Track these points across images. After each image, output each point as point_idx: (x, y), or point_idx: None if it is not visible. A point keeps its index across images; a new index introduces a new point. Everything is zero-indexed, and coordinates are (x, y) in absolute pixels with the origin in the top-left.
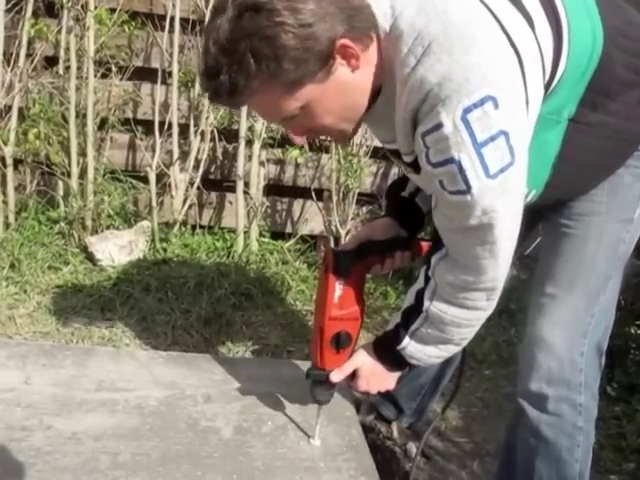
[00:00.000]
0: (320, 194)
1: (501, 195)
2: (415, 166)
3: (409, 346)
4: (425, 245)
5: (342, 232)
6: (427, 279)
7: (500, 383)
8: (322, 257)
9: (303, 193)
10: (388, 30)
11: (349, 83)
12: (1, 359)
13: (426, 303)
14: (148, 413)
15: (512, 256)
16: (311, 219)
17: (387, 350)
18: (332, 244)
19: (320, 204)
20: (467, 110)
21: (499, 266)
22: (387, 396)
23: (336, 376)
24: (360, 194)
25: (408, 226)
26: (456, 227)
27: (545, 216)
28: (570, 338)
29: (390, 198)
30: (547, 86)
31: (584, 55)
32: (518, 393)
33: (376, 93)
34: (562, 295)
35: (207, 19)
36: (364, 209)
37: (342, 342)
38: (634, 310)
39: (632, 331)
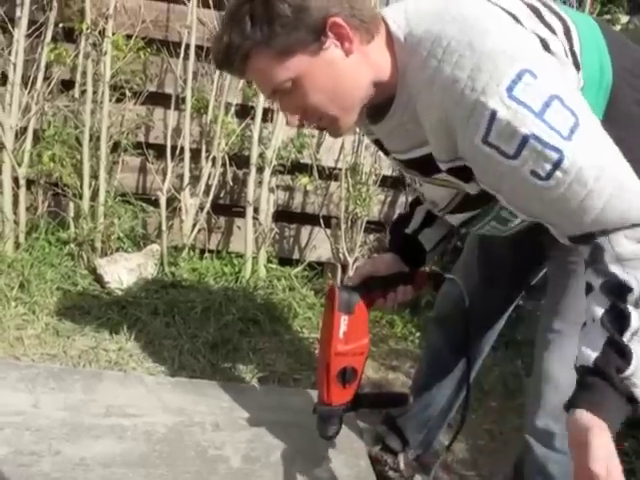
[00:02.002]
0: (328, 221)
1: (588, 150)
2: (454, 172)
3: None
4: (425, 281)
5: (350, 260)
6: (628, 290)
7: (507, 415)
8: (326, 292)
9: (311, 220)
10: (403, 39)
11: (340, 66)
12: (11, 381)
13: (634, 317)
14: (157, 440)
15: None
16: (319, 246)
17: (613, 392)
18: (340, 271)
19: (328, 231)
20: (510, 88)
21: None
22: (394, 427)
23: None
24: (368, 222)
25: (410, 262)
26: (584, 207)
27: (551, 253)
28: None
29: (394, 234)
30: None
31: (592, 86)
32: (525, 429)
33: (387, 105)
34: (569, 331)
35: None
36: (372, 237)
37: (348, 377)
38: None
39: None
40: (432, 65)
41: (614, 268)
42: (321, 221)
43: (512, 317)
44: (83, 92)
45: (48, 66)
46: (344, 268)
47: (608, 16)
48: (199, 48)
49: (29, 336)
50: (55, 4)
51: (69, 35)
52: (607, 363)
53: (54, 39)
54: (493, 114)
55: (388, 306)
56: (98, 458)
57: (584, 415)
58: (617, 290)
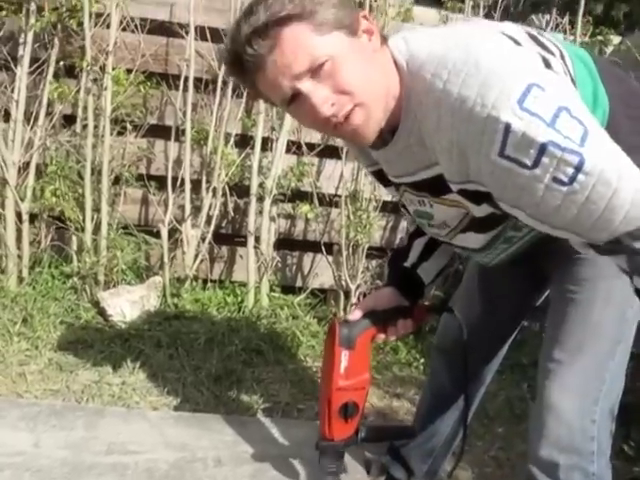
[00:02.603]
0: (330, 248)
1: (604, 152)
2: (465, 194)
3: None
4: (425, 314)
5: (352, 287)
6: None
7: (513, 441)
8: (327, 327)
9: (313, 247)
10: (405, 64)
11: (371, 56)
12: (12, 420)
13: None
14: (158, 477)
15: None
16: (321, 273)
17: None
18: (342, 298)
19: (330, 258)
20: (520, 101)
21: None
22: (398, 457)
23: None
24: (370, 248)
25: (409, 295)
26: (614, 206)
27: (551, 279)
28: (580, 405)
29: (392, 268)
30: None
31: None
32: (529, 459)
33: (392, 131)
34: (569, 360)
35: None
36: (374, 263)
37: (350, 412)
38: None
39: None
40: (438, 87)
41: None
42: (323, 248)
43: (517, 339)
44: (85, 127)
45: (50, 102)
46: (347, 295)
47: (600, 37)
48: (198, 80)
49: (32, 372)
50: (56, 42)
51: (70, 71)
52: None
53: (56, 75)
54: (507, 127)
55: (389, 339)
56: None
57: None
58: None
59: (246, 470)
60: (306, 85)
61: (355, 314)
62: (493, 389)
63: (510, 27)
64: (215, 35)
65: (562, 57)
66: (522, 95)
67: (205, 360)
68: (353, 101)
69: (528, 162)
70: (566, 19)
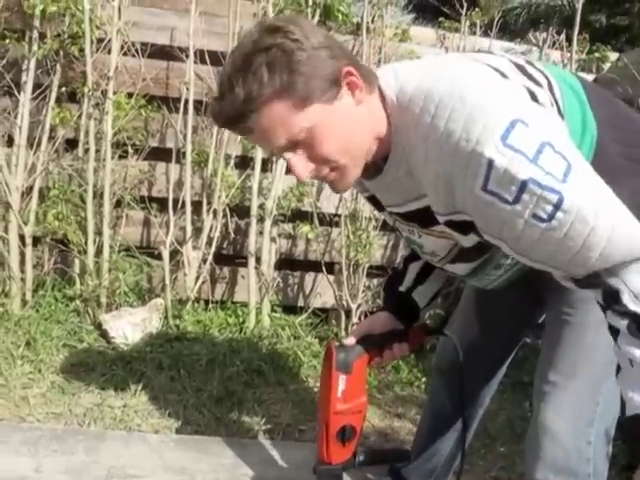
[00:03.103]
0: (331, 267)
1: (586, 189)
2: (451, 225)
3: None
4: (420, 337)
5: (353, 306)
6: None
7: (515, 461)
8: (324, 352)
9: (314, 267)
10: (395, 99)
11: (352, 114)
12: (14, 445)
13: None
14: None
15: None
16: (323, 292)
17: None
18: (343, 317)
19: (331, 277)
20: (504, 137)
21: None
22: (399, 478)
23: None
24: (370, 267)
25: (405, 319)
26: (590, 247)
27: (546, 303)
28: (575, 427)
29: (387, 292)
30: None
31: (574, 139)
32: None
33: (382, 162)
34: (564, 383)
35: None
36: (375, 282)
37: (347, 435)
38: None
39: None
40: (426, 121)
41: (634, 306)
42: (323, 268)
43: (518, 356)
44: (87, 151)
45: (53, 127)
46: (348, 314)
47: (597, 54)
48: (198, 103)
49: (35, 395)
50: (58, 68)
51: (72, 96)
52: None
53: (58, 100)
54: (490, 163)
55: (385, 363)
56: None
57: None
58: None
59: None
60: (287, 155)
61: (351, 339)
62: (494, 408)
63: (495, 59)
64: (214, 58)
65: (550, 87)
66: (506, 131)
67: (206, 382)
68: (331, 165)
69: (509, 198)
70: (562, 36)
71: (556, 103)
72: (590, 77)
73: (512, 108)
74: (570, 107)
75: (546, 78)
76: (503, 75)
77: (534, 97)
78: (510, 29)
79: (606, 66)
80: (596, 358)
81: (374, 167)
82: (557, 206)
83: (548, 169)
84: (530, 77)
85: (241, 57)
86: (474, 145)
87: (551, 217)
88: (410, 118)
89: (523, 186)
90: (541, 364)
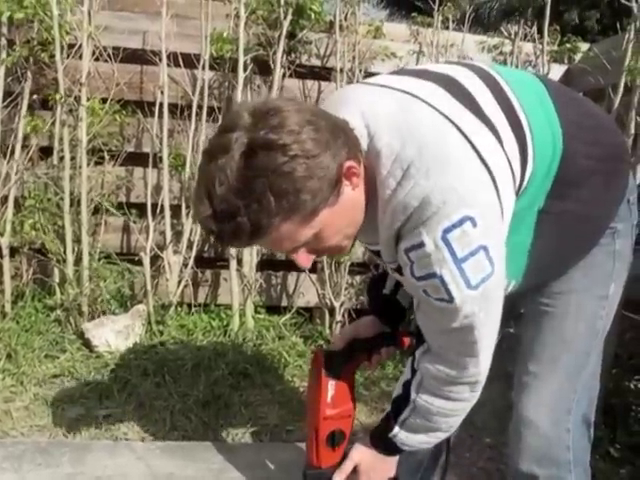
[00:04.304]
0: (314, 266)
1: (483, 302)
2: (399, 269)
3: (399, 434)
4: (407, 339)
5: (336, 304)
6: (413, 371)
7: (502, 451)
8: (311, 357)
9: (296, 266)
10: (366, 149)
11: (352, 201)
12: None
13: (413, 394)
14: None
15: (492, 351)
16: (306, 292)
17: (380, 439)
18: (327, 315)
19: (314, 276)
20: (447, 230)
21: (480, 362)
22: None
23: (338, 477)
24: (352, 264)
25: (390, 322)
26: (438, 328)
27: (525, 295)
28: (554, 417)
29: (371, 296)
30: (517, 190)
31: (547, 153)
32: (510, 474)
33: None
34: (544, 374)
35: (200, 163)
36: (358, 279)
37: (337, 440)
38: (632, 365)
39: (631, 386)
40: (391, 186)
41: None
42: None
43: (502, 348)
44: (62, 158)
45: (26, 135)
46: (331, 312)
47: (568, 45)
48: (173, 106)
49: (17, 408)
50: (29, 75)
51: (45, 103)
52: None
53: (31, 108)
54: (422, 244)
55: (373, 366)
56: None
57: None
58: None
59: None
60: (291, 254)
61: (338, 343)
62: (480, 399)
63: (454, 107)
64: (188, 61)
65: (516, 124)
66: (452, 226)
67: (192, 386)
68: (330, 252)
69: (417, 274)
70: (534, 29)
71: (520, 132)
72: (562, 68)
73: (469, 203)
74: (535, 119)
75: (510, 111)
76: (466, 138)
77: (484, 162)
78: (483, 22)
79: (577, 57)
80: (575, 347)
81: None
82: (447, 301)
83: (468, 273)
84: (488, 123)
85: (237, 178)
86: (421, 223)
87: (437, 300)
88: (378, 175)
89: (432, 276)
90: (521, 355)
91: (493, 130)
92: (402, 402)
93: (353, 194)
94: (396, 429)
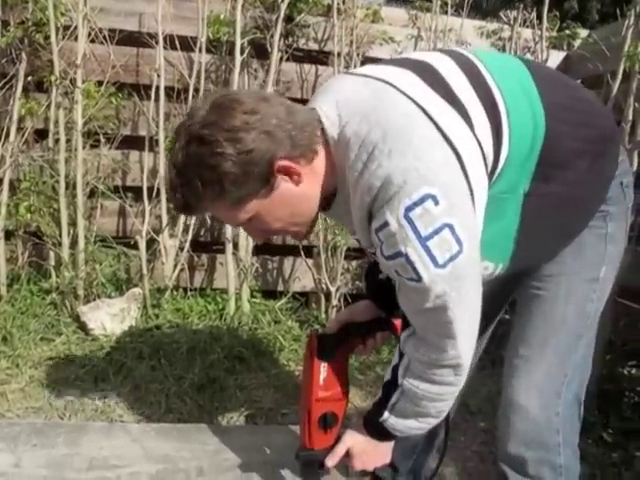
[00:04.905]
0: (310, 251)
1: (453, 281)
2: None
3: (390, 419)
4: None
5: (332, 289)
6: (400, 355)
7: (496, 435)
8: (307, 340)
9: (293, 251)
10: (337, 138)
11: (294, 195)
12: None
13: (400, 379)
14: None
15: (475, 334)
16: (302, 276)
17: (372, 424)
18: (323, 300)
19: (310, 261)
20: (409, 209)
21: (459, 345)
22: None
23: (330, 460)
24: (349, 249)
25: (385, 307)
26: (415, 308)
27: (516, 278)
28: (544, 400)
29: (368, 281)
30: (491, 173)
31: (527, 137)
32: (499, 457)
33: (333, 194)
34: (534, 357)
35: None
36: (354, 264)
37: (329, 422)
38: (626, 351)
39: (625, 372)
40: (358, 168)
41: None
42: (302, 252)
43: (498, 333)
44: (57, 141)
45: (21, 117)
46: (327, 297)
47: (568, 32)
48: (170, 89)
49: (13, 390)
50: (24, 56)
51: (40, 85)
52: None
53: (26, 90)
54: (386, 223)
55: (367, 351)
56: None
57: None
58: None
59: (228, 478)
60: (244, 228)
61: (333, 326)
62: (475, 384)
63: (425, 93)
64: (184, 44)
65: (491, 106)
66: (413, 204)
67: (188, 369)
68: (280, 233)
69: (385, 253)
70: (533, 15)
71: (495, 115)
72: (561, 54)
73: (430, 181)
74: (514, 103)
75: (486, 95)
76: (435, 123)
77: (450, 143)
78: (482, 7)
79: (577, 43)
80: (565, 330)
81: (327, 201)
82: (416, 281)
83: (434, 251)
84: (460, 108)
85: (179, 162)
86: (384, 203)
87: (408, 280)
88: (348, 162)
89: (398, 254)
90: (512, 338)
91: (464, 114)
92: (391, 387)
93: (294, 189)
94: (386, 414)
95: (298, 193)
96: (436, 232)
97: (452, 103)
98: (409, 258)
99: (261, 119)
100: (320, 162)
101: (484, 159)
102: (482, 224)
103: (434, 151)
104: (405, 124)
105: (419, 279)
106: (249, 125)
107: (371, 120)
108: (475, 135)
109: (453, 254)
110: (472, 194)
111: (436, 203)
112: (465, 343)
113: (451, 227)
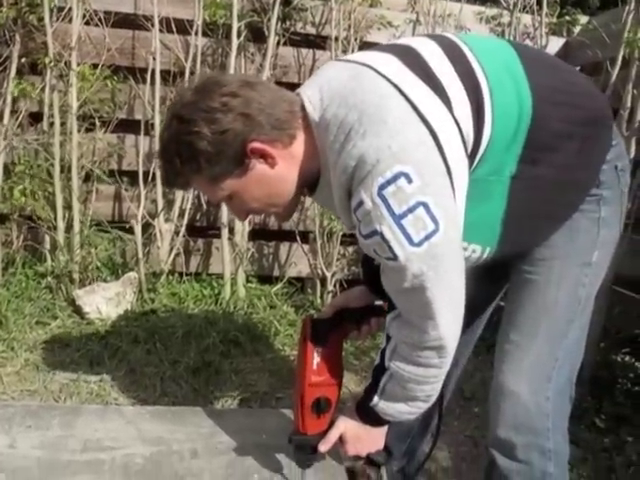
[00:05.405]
0: (306, 236)
1: (429, 260)
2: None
3: (380, 404)
4: None
5: (328, 274)
6: (388, 338)
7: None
8: (301, 325)
9: (289, 236)
10: (318, 121)
11: (269, 177)
12: None
13: (387, 362)
14: (134, 472)
15: (459, 317)
16: (298, 262)
17: (363, 409)
18: (319, 286)
19: (306, 247)
20: (382, 187)
21: (439, 326)
22: None
23: (323, 446)
24: (344, 235)
25: (380, 293)
26: (395, 288)
27: (509, 264)
28: (534, 385)
29: (364, 267)
30: (473, 155)
31: (511, 117)
32: (488, 442)
33: (317, 178)
34: (525, 342)
35: None
36: (350, 249)
37: (322, 407)
38: (619, 338)
39: (618, 359)
40: (335, 149)
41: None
42: (298, 237)
43: (493, 320)
44: (52, 124)
45: (15, 100)
46: (323, 282)
47: (568, 17)
48: (166, 73)
49: (8, 373)
50: (18, 38)
51: (34, 68)
52: None
53: (19, 73)
54: (361, 202)
55: (362, 337)
56: None
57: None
58: None
59: (222, 460)
60: (226, 205)
61: (328, 311)
62: (469, 369)
63: (404, 75)
64: (181, 27)
65: (474, 88)
66: (386, 182)
67: (183, 353)
68: (260, 213)
69: (363, 232)
70: (533, 0)
71: (477, 96)
72: (561, 41)
73: (403, 159)
74: (499, 85)
75: (468, 77)
76: (413, 105)
77: (427, 123)
78: None
79: (576, 29)
80: (557, 315)
81: (312, 184)
82: (392, 259)
83: (408, 229)
84: (439, 89)
85: (163, 137)
86: (358, 182)
87: (386, 260)
88: (328, 144)
89: (374, 233)
90: (503, 323)
91: (443, 95)
92: (380, 370)
93: (269, 171)
94: (376, 399)
95: (273, 175)
96: (410, 210)
97: (431, 85)
98: (384, 236)
99: (241, 102)
100: (299, 146)
101: (463, 140)
102: (466, 206)
103: (409, 130)
104: (381, 105)
105: (395, 258)
106: (227, 107)
107: (349, 102)
108: (454, 116)
109: (429, 233)
110: (450, 174)
111: (409, 181)
112: (447, 324)
113: (425, 205)
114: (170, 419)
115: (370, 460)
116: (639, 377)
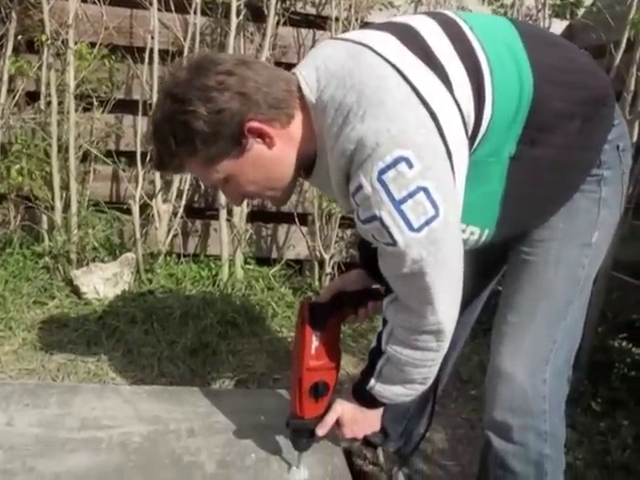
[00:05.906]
0: (304, 218)
1: (429, 245)
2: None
3: (377, 386)
4: None
5: (326, 256)
6: (384, 322)
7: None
8: (298, 309)
9: (288, 218)
10: (315, 103)
11: (267, 158)
12: None
13: (384, 345)
14: (132, 450)
15: (457, 301)
16: (296, 244)
17: (360, 391)
18: (317, 268)
19: (304, 229)
20: (382, 172)
21: (438, 311)
22: None
23: (321, 430)
24: (343, 217)
25: (378, 276)
26: (393, 273)
27: (507, 245)
28: (531, 367)
29: (361, 250)
30: (474, 136)
31: (512, 97)
32: (484, 424)
33: (313, 160)
34: (523, 323)
35: None
36: (348, 232)
37: (320, 391)
38: (617, 323)
39: (616, 344)
40: (334, 132)
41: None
42: (296, 219)
43: (491, 303)
44: (49, 103)
45: (12, 79)
46: (321, 265)
47: None
48: (164, 52)
49: (6, 353)
50: (14, 15)
51: (31, 46)
52: None
53: (16, 51)
54: (360, 186)
55: (360, 321)
56: (73, 472)
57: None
58: None
59: (219, 440)
60: (219, 188)
61: (325, 295)
62: (466, 352)
63: (402, 55)
64: (180, 6)
65: (475, 71)
66: (386, 167)
67: (180, 334)
68: (256, 197)
69: (362, 217)
70: None
71: (478, 77)
72: (564, 23)
73: (404, 143)
74: (500, 65)
75: (469, 58)
76: (412, 87)
77: (426, 105)
78: None
79: (580, 11)
80: (555, 296)
81: (309, 167)
82: (391, 245)
83: (408, 215)
84: (439, 70)
85: (156, 117)
86: (357, 166)
87: (387, 245)
88: (325, 125)
89: (373, 218)
90: (501, 305)
91: (442, 75)
92: (376, 353)
93: (268, 152)
94: (372, 381)
95: (271, 156)
96: (410, 195)
97: (430, 65)
98: (384, 222)
99: (237, 81)
100: (297, 126)
101: (463, 121)
102: (465, 188)
103: (408, 113)
104: (379, 86)
105: (394, 243)
106: (223, 85)
107: (347, 84)
108: (454, 96)
109: (429, 218)
110: (450, 157)
111: (410, 166)
112: (445, 309)
113: (426, 190)
114: (167, 399)
115: (367, 441)
116: (636, 362)
